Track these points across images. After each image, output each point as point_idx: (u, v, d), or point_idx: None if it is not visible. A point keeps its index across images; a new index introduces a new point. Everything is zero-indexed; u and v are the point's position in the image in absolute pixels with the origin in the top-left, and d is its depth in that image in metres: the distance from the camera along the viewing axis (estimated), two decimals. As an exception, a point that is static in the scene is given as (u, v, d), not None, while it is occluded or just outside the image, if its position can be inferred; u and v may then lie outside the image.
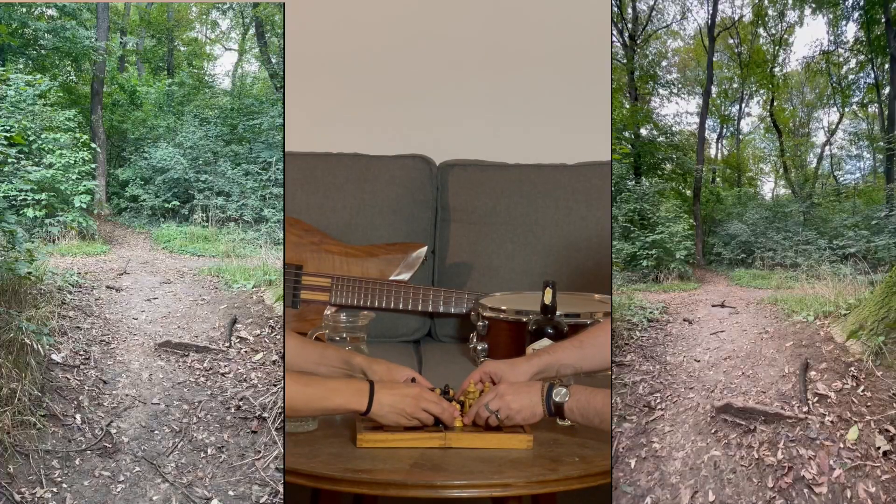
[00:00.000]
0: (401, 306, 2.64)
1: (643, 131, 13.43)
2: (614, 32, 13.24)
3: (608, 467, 1.57)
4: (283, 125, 2.90)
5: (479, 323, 2.37)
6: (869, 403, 2.78)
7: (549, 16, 2.94)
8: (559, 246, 2.74)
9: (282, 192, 9.59)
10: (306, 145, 2.90)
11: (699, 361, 4.13)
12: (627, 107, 13.06)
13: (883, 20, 12.88)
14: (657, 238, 10.10)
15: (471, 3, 2.96)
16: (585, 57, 2.86)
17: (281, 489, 2.66)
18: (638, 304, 6.35)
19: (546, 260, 2.74)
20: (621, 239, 10.32)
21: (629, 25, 13.67)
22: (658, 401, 3.53)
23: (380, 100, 2.97)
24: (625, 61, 13.29)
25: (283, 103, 2.90)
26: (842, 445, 2.58)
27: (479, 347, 2.37)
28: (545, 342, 2.02)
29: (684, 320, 5.74)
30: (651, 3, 14.21)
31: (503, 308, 2.34)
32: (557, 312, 2.08)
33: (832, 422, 2.75)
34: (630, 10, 13.72)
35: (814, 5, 14.46)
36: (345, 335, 1.98)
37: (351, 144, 2.92)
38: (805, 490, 2.42)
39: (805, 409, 2.89)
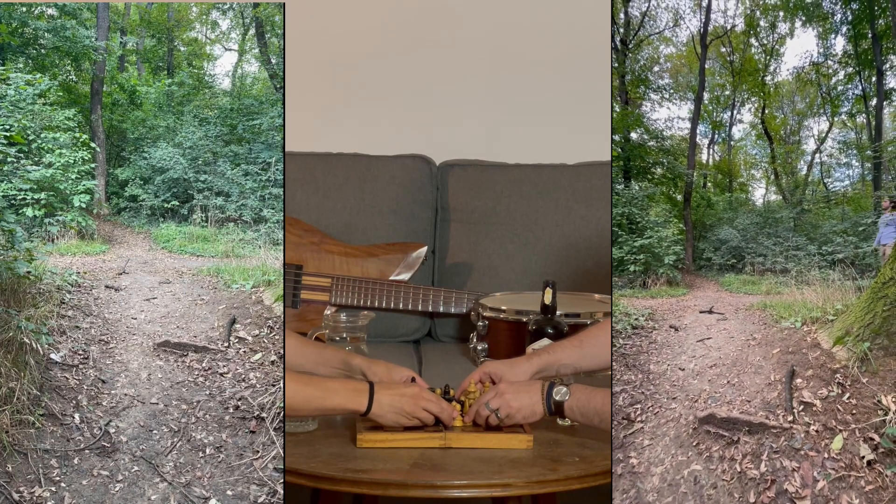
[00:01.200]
0: (401, 306, 2.64)
1: (633, 135, 13.45)
2: (605, 36, 13.25)
3: (608, 467, 1.57)
4: (283, 125, 2.89)
5: (479, 323, 2.37)
6: (854, 411, 2.73)
7: (548, 16, 2.94)
8: (559, 246, 2.73)
9: (281, 193, 9.59)
10: (306, 145, 2.90)
11: (684, 370, 4.05)
12: (618, 110, 13.10)
13: (870, 35, 13.07)
14: (645, 242, 10.07)
15: (471, 3, 2.97)
16: (585, 57, 2.86)
17: (279, 489, 2.66)
18: (623, 310, 6.27)
19: (546, 260, 2.74)
20: (609, 243, 10.29)
21: (621, 30, 13.70)
22: (638, 412, 3.46)
23: (380, 100, 2.97)
24: (616, 65, 13.33)
25: (283, 103, 2.90)
26: (826, 455, 2.52)
27: (479, 347, 2.37)
28: (545, 342, 2.02)
29: (670, 327, 5.65)
30: (644, 8, 14.28)
31: (503, 308, 2.34)
32: (557, 312, 2.07)
33: (817, 431, 2.69)
34: (622, 15, 13.76)
35: (804, 18, 14.67)
36: (345, 335, 1.97)
37: (351, 144, 2.92)
38: (787, 504, 2.38)
39: (790, 418, 2.83)
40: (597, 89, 2.88)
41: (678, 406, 3.42)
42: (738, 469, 2.63)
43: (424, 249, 2.68)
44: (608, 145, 2.80)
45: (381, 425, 1.65)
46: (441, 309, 2.65)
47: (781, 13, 14.92)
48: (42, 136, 8.75)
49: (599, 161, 2.82)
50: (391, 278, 2.65)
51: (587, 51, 2.87)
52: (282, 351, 3.71)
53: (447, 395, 1.78)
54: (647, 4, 14.18)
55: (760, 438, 2.77)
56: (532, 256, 2.75)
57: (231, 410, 3.29)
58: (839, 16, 14.02)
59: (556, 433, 1.71)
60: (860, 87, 14.46)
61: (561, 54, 2.92)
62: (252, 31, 17.28)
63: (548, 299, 2.04)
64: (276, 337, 4.21)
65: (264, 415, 3.20)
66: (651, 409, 3.49)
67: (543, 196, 2.77)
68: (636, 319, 5.83)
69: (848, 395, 2.87)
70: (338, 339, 1.97)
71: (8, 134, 6.19)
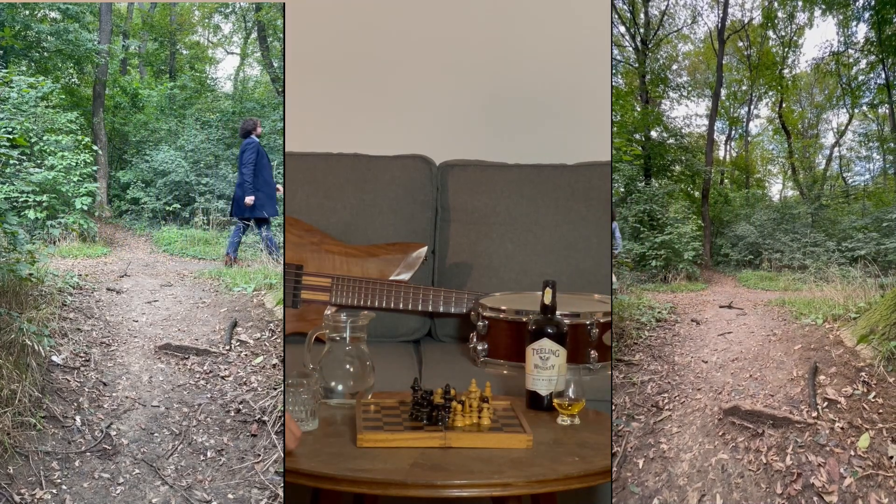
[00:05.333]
0: (401, 306, 2.63)
1: (653, 133, 13.46)
2: (626, 38, 13.31)
3: (608, 467, 1.56)
4: (283, 125, 2.90)
5: (479, 323, 2.36)
6: (881, 410, 2.71)
7: (549, 16, 2.93)
8: (559, 246, 2.73)
9: (282, 196, 9.58)
10: (306, 146, 2.89)
11: (707, 362, 4.10)
12: (639, 110, 13.09)
13: (895, 20, 12.75)
14: (666, 239, 10.16)
15: (471, 3, 2.96)
16: (585, 57, 2.86)
17: (280, 493, 2.65)
18: (647, 303, 6.35)
19: (546, 260, 2.73)
20: (631, 239, 10.39)
21: (641, 31, 13.70)
22: (666, 401, 3.51)
23: (380, 100, 2.97)
24: (637, 66, 13.34)
25: (283, 103, 2.90)
26: (852, 453, 2.51)
27: (479, 347, 2.36)
28: (545, 342, 2.01)
29: (692, 321, 5.72)
30: (663, 8, 14.26)
31: (503, 308, 2.33)
32: (557, 312, 2.07)
33: (842, 428, 2.69)
34: (643, 16, 13.77)
35: (824, 6, 14.34)
36: (345, 335, 1.97)
37: (351, 144, 2.91)
38: (815, 498, 2.36)
39: (814, 414, 2.83)
40: (597, 88, 2.87)
41: (703, 397, 3.45)
42: (764, 461, 2.64)
43: (424, 249, 2.68)
44: (608, 145, 2.79)
45: (382, 424, 1.65)
46: (441, 309, 2.65)
47: (800, 2, 14.64)
48: (44, 138, 8.76)
49: (599, 161, 2.81)
50: (391, 278, 2.65)
51: (588, 50, 2.86)
52: (283, 354, 3.71)
53: (447, 394, 1.77)
54: (665, 3, 14.19)
55: (785, 432, 2.78)
56: (532, 256, 2.74)
57: (232, 414, 3.28)
58: (861, 1, 13.66)
59: (556, 433, 1.70)
60: (883, 76, 14.08)
61: (561, 53, 2.92)
62: (254, 35, 17.31)
63: (548, 299, 2.03)
64: (278, 340, 4.20)
65: (266, 418, 3.20)
66: (678, 398, 3.53)
67: (543, 196, 2.77)
68: (659, 313, 5.88)
69: (874, 394, 2.85)
70: (338, 338, 1.96)
71: (10, 137, 6.20)
